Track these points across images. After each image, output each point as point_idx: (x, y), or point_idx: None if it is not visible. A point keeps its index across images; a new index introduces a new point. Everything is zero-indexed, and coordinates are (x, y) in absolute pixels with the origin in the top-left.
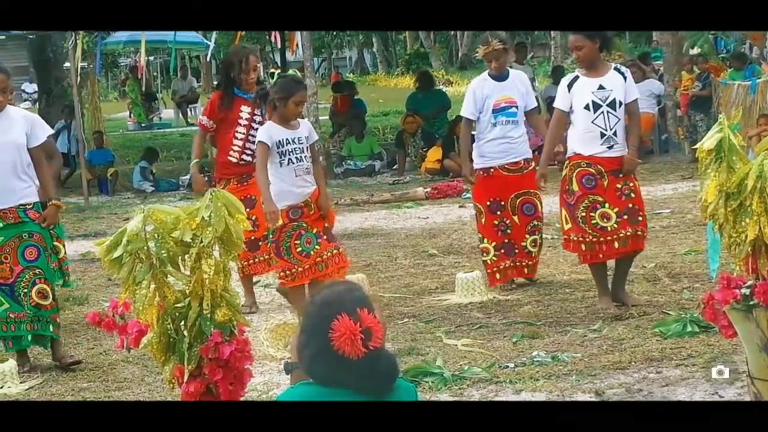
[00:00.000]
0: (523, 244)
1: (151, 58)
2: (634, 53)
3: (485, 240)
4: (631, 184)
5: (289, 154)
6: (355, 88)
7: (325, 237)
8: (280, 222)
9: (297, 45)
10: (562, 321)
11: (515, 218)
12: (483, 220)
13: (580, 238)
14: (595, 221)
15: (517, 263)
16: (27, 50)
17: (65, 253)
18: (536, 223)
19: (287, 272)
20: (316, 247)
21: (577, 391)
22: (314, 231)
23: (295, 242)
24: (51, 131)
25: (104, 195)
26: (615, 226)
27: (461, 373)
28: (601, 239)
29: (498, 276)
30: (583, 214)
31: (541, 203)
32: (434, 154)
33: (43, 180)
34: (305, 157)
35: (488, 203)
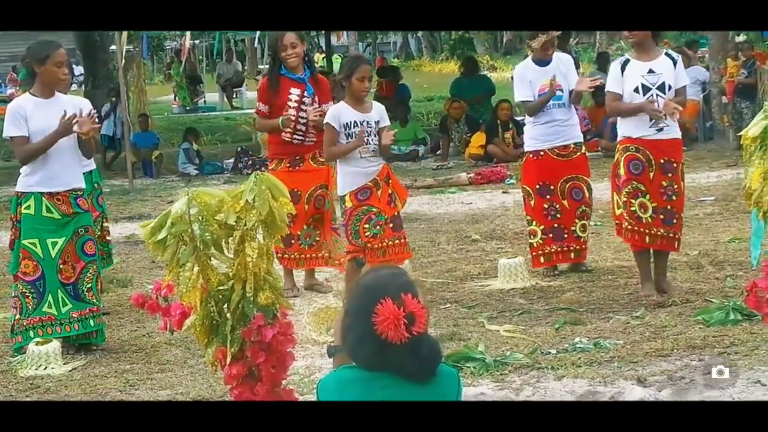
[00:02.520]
0: (573, 228)
1: (197, 41)
2: (680, 40)
3: (534, 222)
4: (676, 186)
5: (356, 137)
6: (400, 73)
7: (391, 225)
8: (349, 204)
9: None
10: (604, 308)
11: (564, 203)
12: (532, 202)
13: (622, 224)
14: (633, 208)
15: (565, 248)
16: (73, 33)
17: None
18: (585, 208)
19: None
20: (382, 232)
21: (619, 377)
22: (384, 216)
23: (364, 226)
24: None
25: (149, 177)
26: (649, 220)
27: (503, 358)
28: (635, 228)
29: (542, 260)
30: (625, 199)
31: (589, 188)
32: (478, 139)
33: (85, 148)
34: (372, 139)
35: (537, 186)
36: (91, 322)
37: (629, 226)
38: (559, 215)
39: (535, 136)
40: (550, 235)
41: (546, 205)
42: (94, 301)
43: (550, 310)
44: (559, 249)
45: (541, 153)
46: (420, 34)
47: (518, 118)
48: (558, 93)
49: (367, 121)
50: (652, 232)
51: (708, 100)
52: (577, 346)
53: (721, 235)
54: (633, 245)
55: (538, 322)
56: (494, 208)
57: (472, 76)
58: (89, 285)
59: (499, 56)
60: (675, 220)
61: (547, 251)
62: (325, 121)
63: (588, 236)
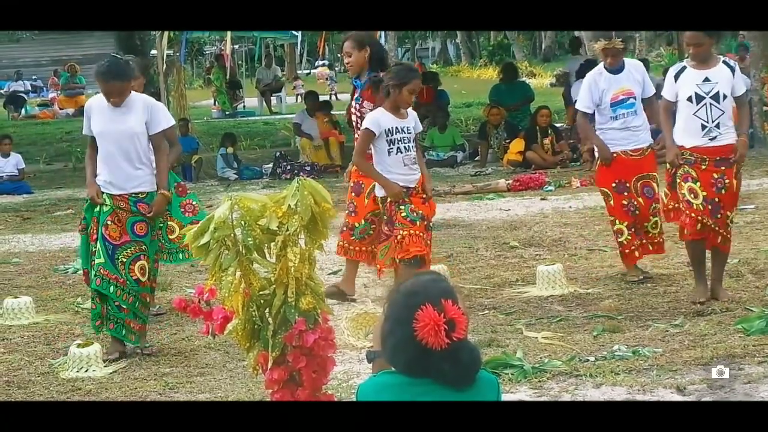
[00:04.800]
0: (646, 225)
1: (236, 46)
2: (720, 47)
3: (617, 221)
4: (727, 181)
5: (398, 143)
6: (439, 79)
7: (426, 223)
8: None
9: (380, 35)
10: (643, 315)
11: (640, 200)
12: (612, 202)
13: (671, 205)
14: (683, 191)
15: (644, 242)
16: (114, 37)
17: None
18: (656, 205)
19: (397, 239)
20: (419, 222)
21: (658, 386)
22: (420, 211)
23: (400, 207)
24: (173, 121)
25: (188, 182)
26: (700, 207)
27: (541, 365)
28: (686, 212)
29: (637, 254)
30: (678, 180)
31: (657, 184)
32: (517, 145)
33: (158, 167)
34: (412, 146)
35: (614, 185)
36: (111, 289)
37: (678, 205)
38: (637, 212)
39: (608, 140)
40: (633, 230)
41: (625, 202)
42: (122, 273)
43: (588, 317)
44: (641, 243)
45: (614, 155)
46: (458, 39)
47: (557, 125)
48: (631, 101)
49: (407, 127)
50: (704, 221)
51: (749, 108)
52: (615, 353)
53: (761, 243)
54: (684, 231)
55: (577, 330)
56: (533, 215)
57: (511, 82)
58: (124, 260)
59: (537, 62)
60: (719, 215)
61: (636, 245)
62: (364, 126)
63: (660, 231)
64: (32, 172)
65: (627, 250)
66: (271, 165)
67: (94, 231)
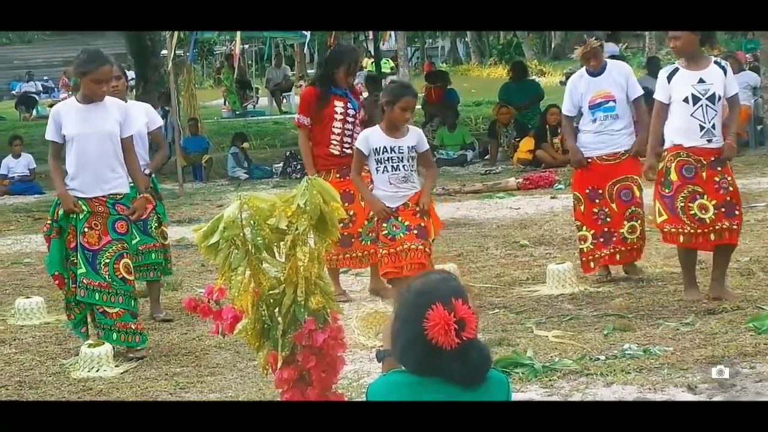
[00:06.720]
0: (621, 230)
1: (246, 46)
2: (730, 45)
3: (584, 228)
4: (729, 178)
5: (385, 162)
6: (448, 78)
7: (415, 231)
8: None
9: (389, 35)
10: (654, 314)
11: (613, 206)
12: (582, 208)
13: (679, 230)
14: (693, 212)
15: (612, 250)
16: (125, 37)
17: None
18: (634, 209)
19: (379, 255)
20: (401, 234)
21: (669, 384)
22: (405, 223)
23: (383, 225)
24: (160, 122)
25: (199, 182)
26: (713, 218)
27: (552, 364)
28: (699, 231)
29: (592, 264)
30: (682, 204)
31: (639, 188)
32: (526, 144)
33: (130, 171)
34: (403, 166)
35: (587, 191)
36: (96, 296)
37: (692, 231)
38: (608, 219)
39: (583, 144)
40: (601, 240)
41: (596, 210)
42: (106, 276)
43: (598, 316)
44: (607, 252)
45: (588, 160)
46: (468, 38)
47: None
48: (610, 104)
49: (399, 147)
50: (717, 227)
51: (759, 105)
52: (626, 352)
53: None
54: (696, 247)
55: (587, 328)
56: (543, 214)
57: (521, 80)
58: (107, 261)
59: (547, 61)
60: (737, 211)
61: (596, 256)
62: (355, 145)
63: (639, 237)
64: (43, 172)
65: (585, 258)
66: (281, 164)
67: (72, 239)
